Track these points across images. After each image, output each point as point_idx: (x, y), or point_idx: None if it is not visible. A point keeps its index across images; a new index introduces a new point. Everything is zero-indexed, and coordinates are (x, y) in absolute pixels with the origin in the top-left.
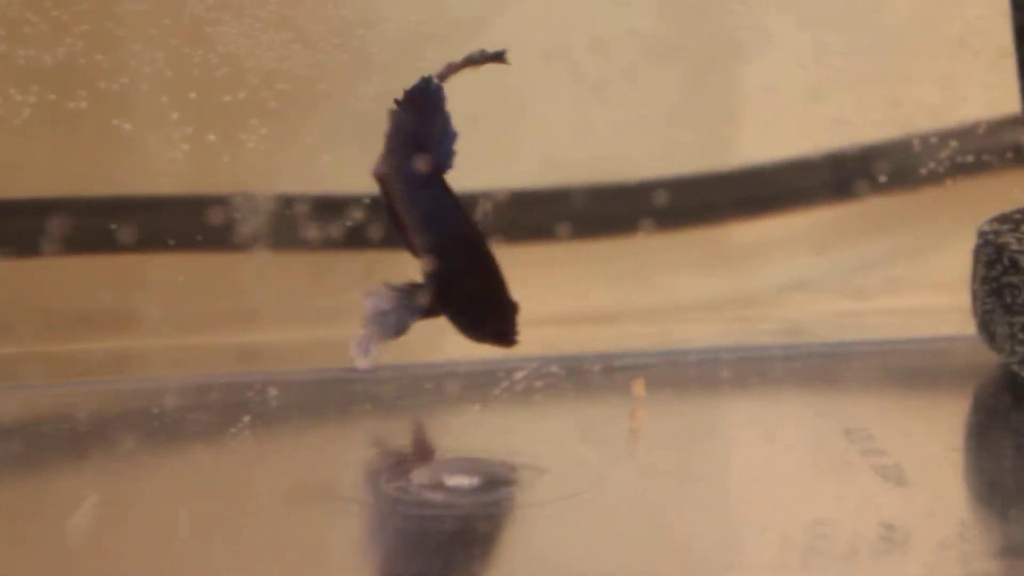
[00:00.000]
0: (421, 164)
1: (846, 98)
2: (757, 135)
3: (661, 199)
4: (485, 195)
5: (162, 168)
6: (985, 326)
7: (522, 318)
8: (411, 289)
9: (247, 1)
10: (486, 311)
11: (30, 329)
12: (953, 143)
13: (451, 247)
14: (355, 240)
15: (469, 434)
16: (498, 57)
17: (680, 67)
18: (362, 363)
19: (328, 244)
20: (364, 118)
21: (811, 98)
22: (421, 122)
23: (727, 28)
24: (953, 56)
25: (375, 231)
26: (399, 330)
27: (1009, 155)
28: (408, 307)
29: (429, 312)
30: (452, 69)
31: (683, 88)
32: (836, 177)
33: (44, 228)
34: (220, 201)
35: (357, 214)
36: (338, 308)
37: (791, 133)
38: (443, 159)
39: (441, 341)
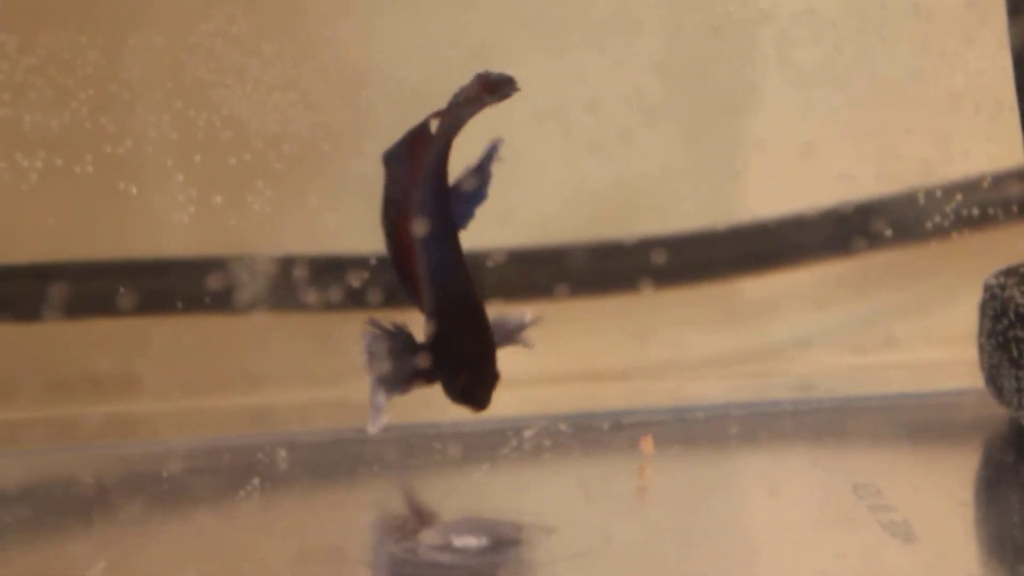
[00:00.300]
0: (418, 228)
1: (848, 153)
2: (760, 191)
3: (668, 256)
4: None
5: (169, 231)
6: (992, 380)
7: (533, 376)
8: (405, 337)
9: (251, 63)
10: (463, 370)
11: (41, 393)
12: (958, 196)
13: (450, 305)
14: (362, 300)
15: (477, 494)
16: (506, 86)
17: (679, 124)
18: (372, 426)
19: (335, 305)
20: (369, 178)
21: (813, 153)
22: (471, 175)
23: (727, 85)
24: (953, 110)
25: (382, 291)
26: (399, 382)
27: (1015, 208)
28: (404, 358)
29: (427, 375)
30: (459, 112)
31: (684, 145)
32: (841, 232)
33: (51, 292)
34: (227, 263)
35: (364, 274)
36: (346, 369)
37: (794, 189)
38: (464, 216)
39: (448, 400)
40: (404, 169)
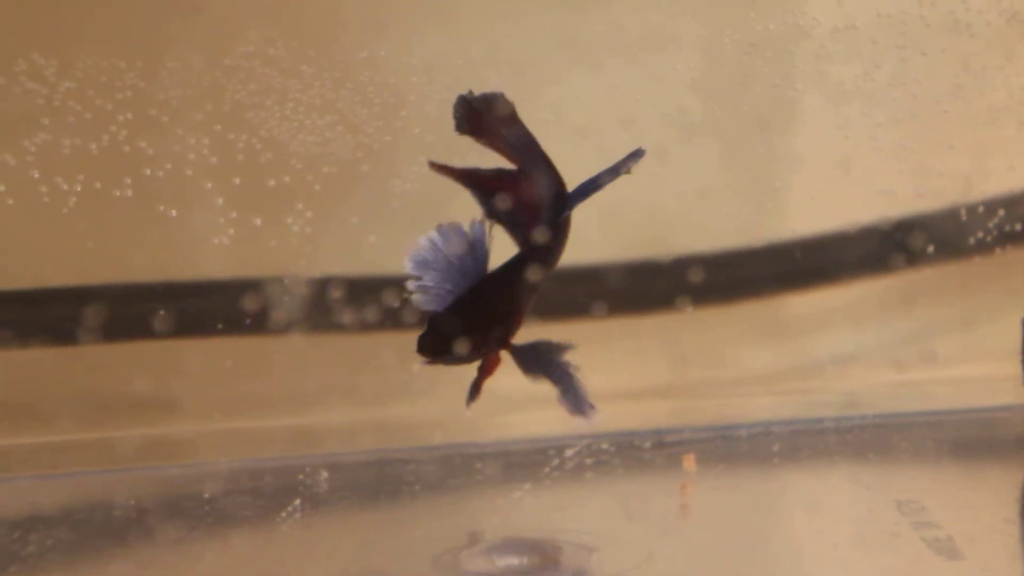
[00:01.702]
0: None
1: (890, 169)
2: (802, 208)
3: (708, 273)
4: None
5: (209, 253)
6: None
7: None
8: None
9: (289, 86)
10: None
11: (81, 416)
12: (1001, 212)
13: (495, 287)
14: (402, 320)
15: (518, 514)
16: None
17: (721, 141)
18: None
19: (376, 325)
20: (409, 199)
21: (854, 170)
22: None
23: (767, 102)
24: (996, 126)
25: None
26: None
27: None
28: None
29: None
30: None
31: (724, 162)
32: (883, 248)
33: (90, 315)
34: (267, 285)
35: (405, 294)
36: (390, 388)
37: (836, 206)
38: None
39: (489, 421)
40: (510, 214)
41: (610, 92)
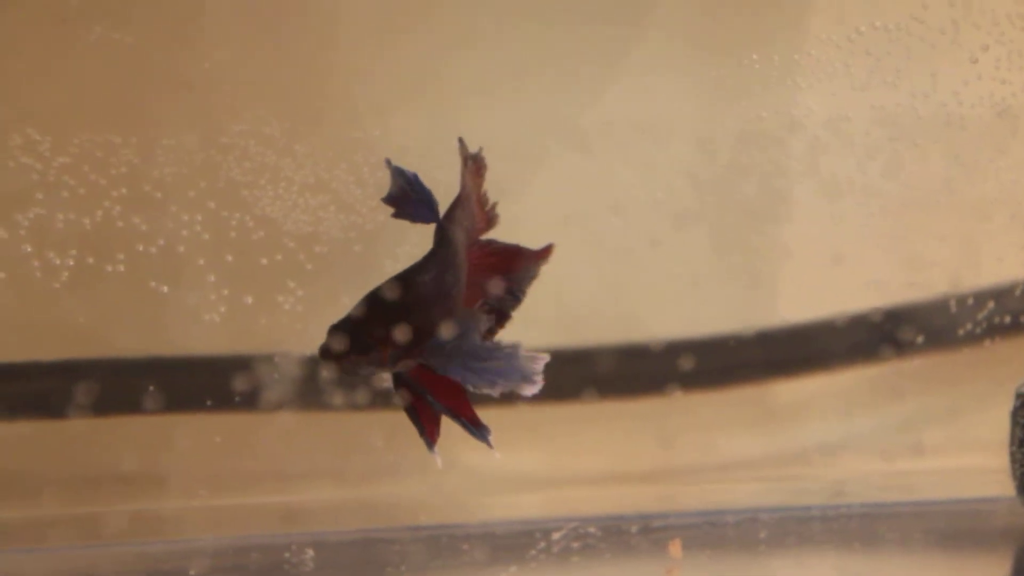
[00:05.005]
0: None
1: (879, 259)
2: (793, 296)
3: (699, 359)
4: None
5: (200, 330)
6: None
7: (563, 478)
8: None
9: (283, 164)
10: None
11: (68, 491)
12: (991, 304)
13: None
14: (391, 401)
15: None
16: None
17: (712, 229)
18: None
19: (365, 405)
20: None
21: (846, 259)
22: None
23: (759, 190)
24: (987, 218)
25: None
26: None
27: None
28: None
29: None
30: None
31: (716, 250)
32: (872, 337)
33: (80, 389)
34: (257, 362)
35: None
36: (378, 468)
37: (827, 294)
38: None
39: (476, 501)
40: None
41: (601, 179)
